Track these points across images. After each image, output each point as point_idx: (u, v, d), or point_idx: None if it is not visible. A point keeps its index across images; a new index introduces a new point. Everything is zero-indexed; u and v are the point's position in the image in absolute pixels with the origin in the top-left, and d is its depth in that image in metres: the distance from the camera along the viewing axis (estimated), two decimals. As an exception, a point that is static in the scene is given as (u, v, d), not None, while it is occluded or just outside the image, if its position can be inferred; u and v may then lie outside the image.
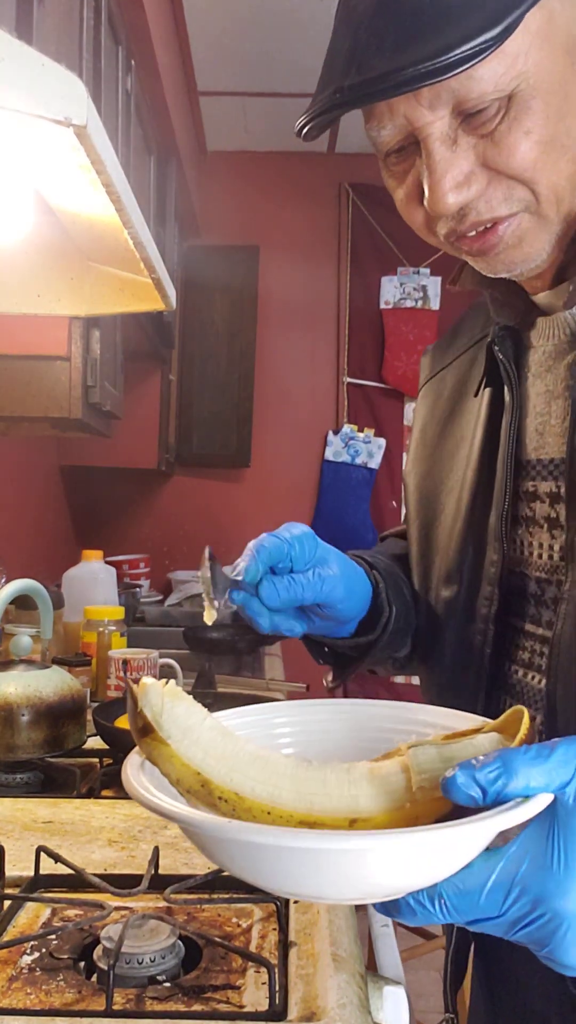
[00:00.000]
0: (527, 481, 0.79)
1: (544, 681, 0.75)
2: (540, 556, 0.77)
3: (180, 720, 0.55)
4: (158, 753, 0.54)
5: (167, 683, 0.56)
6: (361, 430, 3.86)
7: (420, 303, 3.86)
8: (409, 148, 0.72)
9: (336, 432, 3.88)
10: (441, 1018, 0.85)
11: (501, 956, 0.87)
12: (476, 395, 0.87)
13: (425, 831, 0.47)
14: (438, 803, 0.52)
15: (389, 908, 0.52)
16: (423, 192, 0.71)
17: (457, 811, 0.50)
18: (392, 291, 3.87)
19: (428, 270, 3.86)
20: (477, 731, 0.56)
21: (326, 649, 0.91)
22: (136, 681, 0.57)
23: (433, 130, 0.68)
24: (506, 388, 0.80)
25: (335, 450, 3.87)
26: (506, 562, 0.79)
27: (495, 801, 0.49)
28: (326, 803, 0.53)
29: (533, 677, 0.78)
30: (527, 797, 0.49)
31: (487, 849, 0.51)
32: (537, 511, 0.78)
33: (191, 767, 0.53)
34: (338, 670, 0.92)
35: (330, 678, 0.93)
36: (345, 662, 0.91)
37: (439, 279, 3.85)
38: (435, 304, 3.84)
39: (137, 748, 0.56)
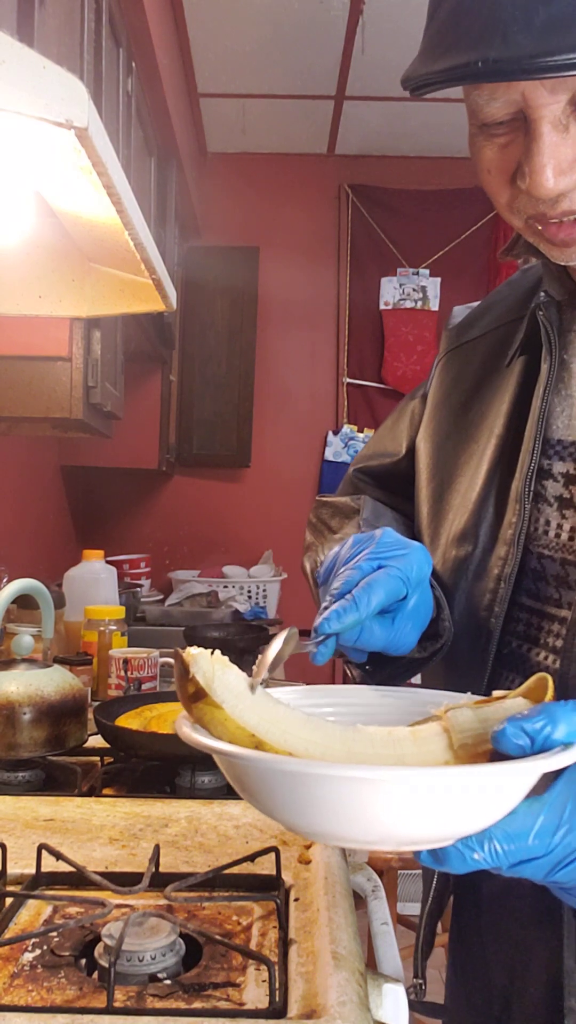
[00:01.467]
0: (543, 459, 0.81)
1: (559, 662, 0.76)
2: (546, 533, 0.79)
3: (231, 685, 0.57)
4: (211, 717, 0.55)
5: (214, 652, 0.58)
6: (361, 430, 3.86)
7: (420, 304, 3.86)
8: (511, 123, 0.70)
9: (336, 432, 3.88)
10: (411, 983, 0.87)
11: (471, 937, 0.90)
12: (508, 365, 0.88)
13: (488, 768, 0.50)
14: (477, 760, 0.56)
15: (438, 856, 0.54)
16: (517, 170, 0.71)
17: None
18: (391, 292, 3.87)
19: (428, 271, 3.87)
20: (503, 698, 0.59)
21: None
22: (180, 651, 0.58)
23: (547, 113, 0.67)
24: (545, 352, 0.81)
25: (335, 450, 3.87)
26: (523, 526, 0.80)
27: (540, 749, 0.52)
28: (376, 760, 0.55)
29: (530, 649, 0.80)
30: (568, 744, 0.52)
31: (526, 797, 0.54)
32: (549, 489, 0.80)
33: (246, 729, 0.55)
34: (374, 677, 0.88)
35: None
36: (380, 670, 0.88)
37: (438, 280, 3.86)
38: (434, 305, 3.85)
39: (185, 714, 0.58)
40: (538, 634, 0.79)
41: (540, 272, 0.92)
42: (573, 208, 0.70)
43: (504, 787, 0.52)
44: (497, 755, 0.54)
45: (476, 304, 1.01)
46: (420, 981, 0.89)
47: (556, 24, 0.62)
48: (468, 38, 0.65)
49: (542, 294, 0.83)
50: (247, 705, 0.57)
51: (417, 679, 0.94)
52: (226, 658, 0.59)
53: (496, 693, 0.62)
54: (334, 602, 0.72)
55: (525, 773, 0.52)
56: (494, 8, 0.64)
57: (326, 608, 0.72)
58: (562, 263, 0.78)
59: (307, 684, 0.77)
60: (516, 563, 0.80)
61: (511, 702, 0.58)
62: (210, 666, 0.57)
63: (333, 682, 3.78)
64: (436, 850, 0.54)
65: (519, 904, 0.82)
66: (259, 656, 0.62)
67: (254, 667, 0.63)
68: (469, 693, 0.68)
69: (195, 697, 0.56)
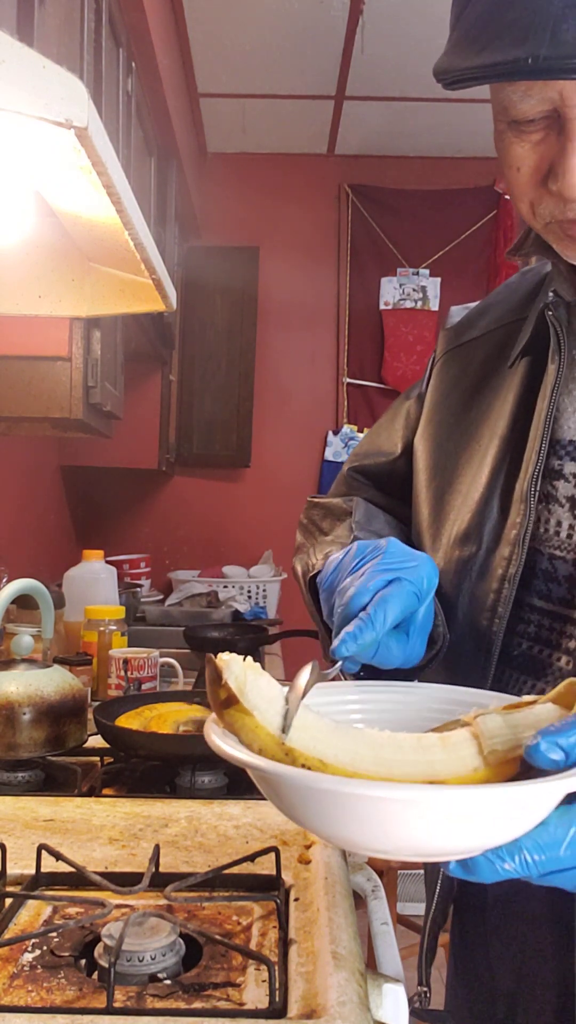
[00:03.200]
0: (554, 459, 0.80)
1: (572, 664, 0.76)
2: (558, 534, 0.79)
3: (263, 692, 0.57)
4: (241, 724, 0.55)
5: (246, 658, 0.58)
6: (361, 430, 3.86)
7: (419, 304, 3.86)
8: (544, 120, 0.69)
9: (336, 432, 3.88)
10: (415, 991, 0.86)
11: (475, 938, 0.90)
12: (511, 365, 0.87)
13: (521, 785, 0.50)
14: (507, 767, 0.55)
15: (467, 867, 0.54)
16: (547, 171, 0.70)
17: (524, 775, 0.54)
18: (391, 292, 3.87)
19: (427, 271, 3.87)
20: (533, 703, 0.59)
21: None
22: (214, 655, 0.58)
23: None
24: (553, 352, 0.80)
25: (335, 450, 3.87)
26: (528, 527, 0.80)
27: (574, 763, 0.52)
28: (404, 768, 0.55)
29: (542, 651, 0.79)
30: None
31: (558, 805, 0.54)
32: (560, 489, 0.79)
33: (275, 737, 0.55)
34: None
35: None
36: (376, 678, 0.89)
37: (438, 280, 3.86)
38: (434, 305, 3.85)
39: (215, 719, 0.58)
40: (550, 636, 0.79)
41: (540, 274, 0.92)
42: None
43: (536, 803, 0.52)
44: (526, 762, 0.54)
45: (474, 304, 1.01)
46: (425, 989, 0.88)
47: None
48: (514, 32, 0.63)
49: (551, 294, 0.82)
50: (277, 712, 0.57)
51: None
52: (258, 665, 0.59)
53: (525, 698, 0.61)
54: (347, 622, 0.70)
55: (560, 790, 0.52)
56: (541, 1, 0.63)
57: (340, 629, 0.70)
58: (574, 261, 0.77)
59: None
60: (520, 564, 0.79)
61: (541, 708, 0.58)
62: (242, 672, 0.57)
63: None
64: (465, 861, 0.54)
65: (528, 906, 0.82)
66: (287, 695, 0.61)
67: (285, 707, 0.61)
68: (496, 693, 0.68)
69: (226, 703, 0.56)
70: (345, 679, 0.86)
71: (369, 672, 0.78)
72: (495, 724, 0.57)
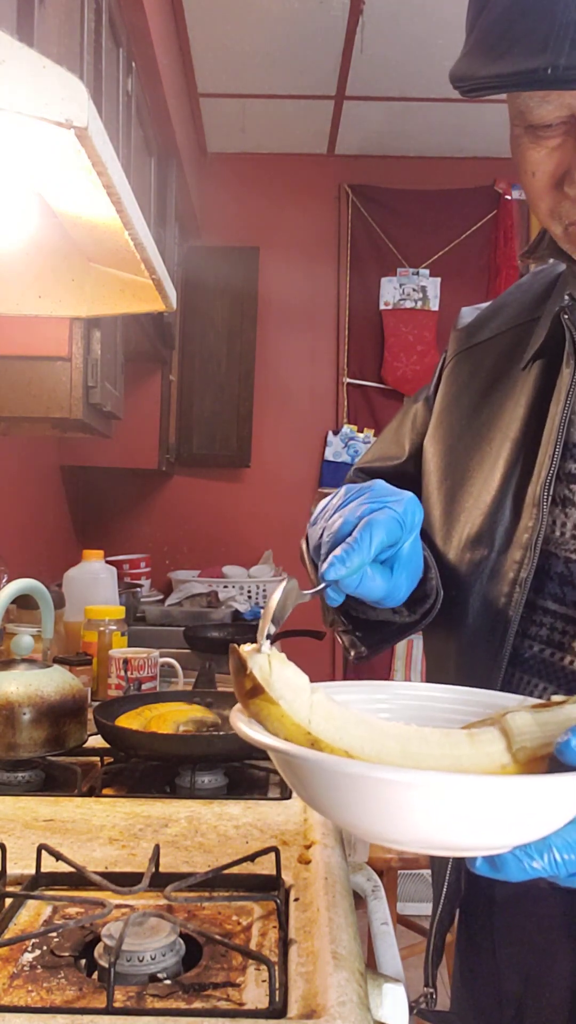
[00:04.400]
0: (569, 462, 0.80)
1: None
2: (574, 538, 0.78)
3: (290, 682, 0.57)
4: (267, 713, 0.55)
5: (272, 647, 0.58)
6: (361, 430, 3.86)
7: (420, 304, 3.86)
8: (562, 126, 0.69)
9: (336, 432, 3.88)
10: (421, 993, 0.86)
11: (481, 939, 0.89)
12: (524, 368, 0.86)
13: (556, 777, 0.49)
14: (535, 764, 0.55)
15: (495, 864, 0.53)
16: (563, 176, 0.69)
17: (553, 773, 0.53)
18: (391, 292, 3.87)
19: (428, 271, 3.87)
20: (563, 703, 0.59)
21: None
22: (238, 645, 0.58)
23: None
24: (567, 356, 0.80)
25: (335, 450, 3.87)
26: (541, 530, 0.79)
27: None
28: (431, 762, 0.55)
29: (554, 654, 0.78)
30: None
31: None
32: (573, 493, 0.79)
33: (302, 727, 0.54)
34: (365, 642, 0.88)
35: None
36: (372, 635, 0.88)
37: (438, 280, 3.86)
38: (434, 305, 3.85)
39: (240, 708, 0.58)
40: (563, 639, 0.78)
41: (553, 274, 0.91)
42: None
43: (568, 798, 0.51)
44: (555, 760, 0.53)
45: (485, 305, 1.00)
46: (431, 990, 0.88)
47: None
48: (532, 41, 0.63)
49: (566, 297, 0.82)
50: (304, 702, 0.56)
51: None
52: (283, 655, 0.59)
53: (555, 698, 0.61)
54: (334, 546, 0.70)
55: None
56: (557, 8, 0.62)
57: (327, 554, 0.70)
58: None
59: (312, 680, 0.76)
60: (532, 567, 0.79)
61: (572, 707, 0.58)
62: (266, 662, 0.57)
63: (334, 671, 3.79)
64: (493, 858, 0.53)
65: (539, 908, 0.81)
66: (261, 612, 0.61)
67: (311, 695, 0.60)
68: (518, 696, 0.68)
69: (252, 693, 0.56)
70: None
71: (366, 630, 0.79)
72: (524, 722, 0.57)
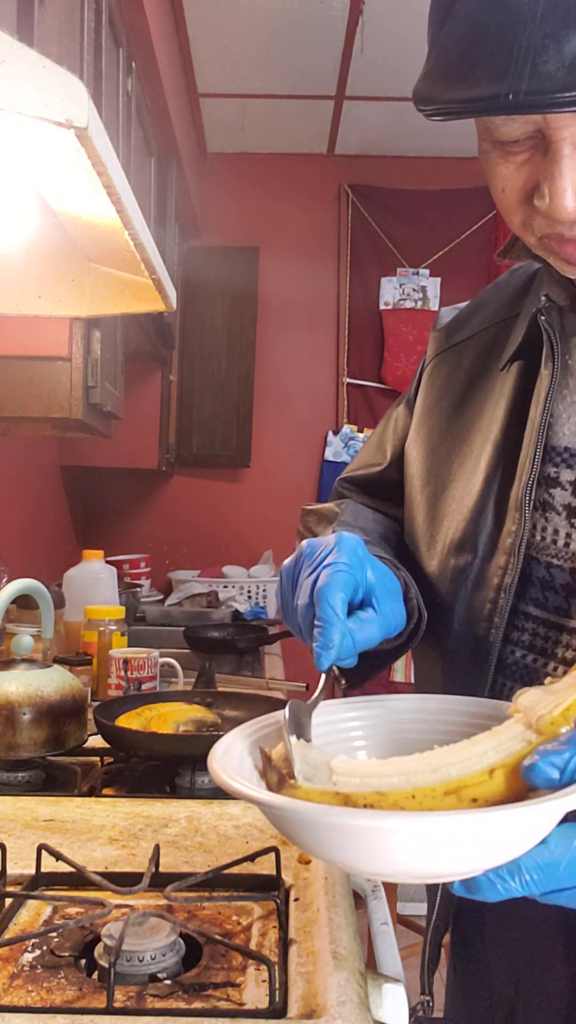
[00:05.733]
0: (549, 466, 0.79)
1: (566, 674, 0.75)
2: (555, 542, 0.78)
3: (310, 760, 0.61)
4: (296, 796, 0.58)
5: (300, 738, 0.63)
6: (361, 430, 3.87)
7: (419, 304, 3.86)
8: (528, 140, 0.68)
9: (336, 432, 3.88)
10: (417, 1000, 0.86)
11: (474, 943, 0.90)
12: (503, 369, 0.86)
13: (506, 810, 0.51)
14: (558, 727, 0.56)
15: (470, 886, 0.55)
16: (532, 190, 0.69)
17: None
18: (391, 292, 3.87)
19: (427, 271, 3.87)
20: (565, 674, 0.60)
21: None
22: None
23: (568, 134, 0.65)
24: (546, 358, 0.79)
25: (335, 450, 3.87)
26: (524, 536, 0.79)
27: (571, 780, 0.52)
28: (462, 768, 0.56)
29: (537, 660, 0.78)
30: None
31: (562, 822, 0.54)
32: (557, 497, 0.79)
33: (328, 792, 0.57)
34: (355, 673, 0.87)
35: (344, 683, 0.89)
36: (358, 675, 0.87)
37: (438, 280, 3.86)
38: (434, 305, 3.85)
39: (215, 752, 0.62)
40: (545, 644, 0.78)
41: (530, 271, 0.91)
42: None
43: (529, 825, 0.53)
44: None
45: (463, 305, 0.99)
46: (427, 998, 0.88)
47: None
48: (493, 64, 0.62)
49: (543, 298, 0.81)
50: (324, 771, 0.59)
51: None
52: (303, 740, 0.63)
53: (550, 678, 0.62)
54: (310, 634, 0.70)
55: (557, 810, 0.52)
56: (518, 30, 0.61)
57: (311, 645, 0.70)
58: (572, 276, 0.76)
59: (306, 683, 0.77)
60: (516, 573, 0.78)
61: (574, 673, 0.59)
62: (283, 750, 0.61)
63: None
64: (468, 880, 0.55)
65: (528, 914, 0.81)
66: (287, 745, 0.63)
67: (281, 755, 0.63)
68: (496, 702, 0.69)
69: (279, 785, 0.59)
70: (341, 685, 0.86)
71: (363, 662, 0.78)
72: (535, 696, 0.58)
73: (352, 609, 0.72)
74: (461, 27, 0.65)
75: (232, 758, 0.62)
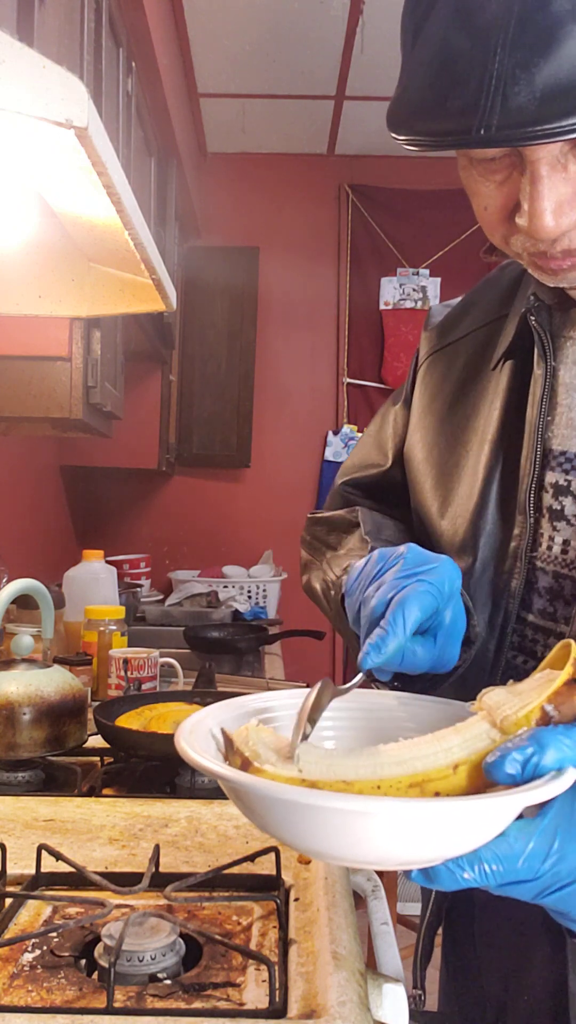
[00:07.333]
0: (544, 470, 0.79)
1: None
2: (539, 545, 0.79)
3: (268, 744, 0.61)
4: (263, 777, 0.58)
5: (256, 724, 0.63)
6: (361, 430, 3.86)
7: (419, 304, 3.86)
8: (505, 159, 0.68)
9: (336, 432, 3.88)
10: (410, 994, 0.86)
11: (464, 942, 0.90)
12: (495, 369, 0.86)
13: (469, 801, 0.52)
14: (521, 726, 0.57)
15: (429, 875, 0.55)
16: (514, 208, 0.69)
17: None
18: (391, 292, 3.87)
19: (427, 271, 3.87)
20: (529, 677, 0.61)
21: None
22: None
23: (545, 154, 0.64)
24: (537, 357, 0.79)
25: (335, 450, 3.87)
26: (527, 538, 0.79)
27: (532, 776, 0.53)
28: (427, 762, 0.57)
29: (526, 662, 0.79)
30: (559, 771, 0.53)
31: (520, 817, 0.55)
32: (542, 501, 0.79)
33: (294, 776, 0.57)
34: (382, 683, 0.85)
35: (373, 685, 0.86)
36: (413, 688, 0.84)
37: (438, 280, 3.86)
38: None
39: (183, 729, 0.63)
40: (533, 647, 0.78)
41: (519, 270, 0.90)
42: (572, 247, 0.68)
43: (490, 817, 0.53)
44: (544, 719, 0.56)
45: (455, 302, 0.98)
46: (420, 992, 0.88)
47: (558, 86, 0.58)
48: (463, 95, 0.61)
49: (531, 298, 0.81)
50: (288, 759, 0.60)
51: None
52: (263, 726, 0.63)
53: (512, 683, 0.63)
54: (370, 629, 0.68)
55: (514, 804, 0.53)
56: (488, 57, 0.60)
57: (364, 637, 0.68)
58: (550, 284, 0.76)
59: (306, 683, 0.77)
60: (523, 577, 0.78)
61: (539, 675, 0.60)
62: (247, 734, 0.62)
63: (334, 671, 3.79)
64: (427, 869, 0.55)
65: (514, 912, 0.81)
66: (298, 713, 0.61)
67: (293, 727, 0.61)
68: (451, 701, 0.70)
69: (244, 767, 0.59)
70: (378, 687, 0.85)
71: (404, 679, 0.76)
72: (499, 696, 0.59)
73: (416, 631, 0.70)
74: (431, 49, 0.64)
75: (199, 737, 0.62)
